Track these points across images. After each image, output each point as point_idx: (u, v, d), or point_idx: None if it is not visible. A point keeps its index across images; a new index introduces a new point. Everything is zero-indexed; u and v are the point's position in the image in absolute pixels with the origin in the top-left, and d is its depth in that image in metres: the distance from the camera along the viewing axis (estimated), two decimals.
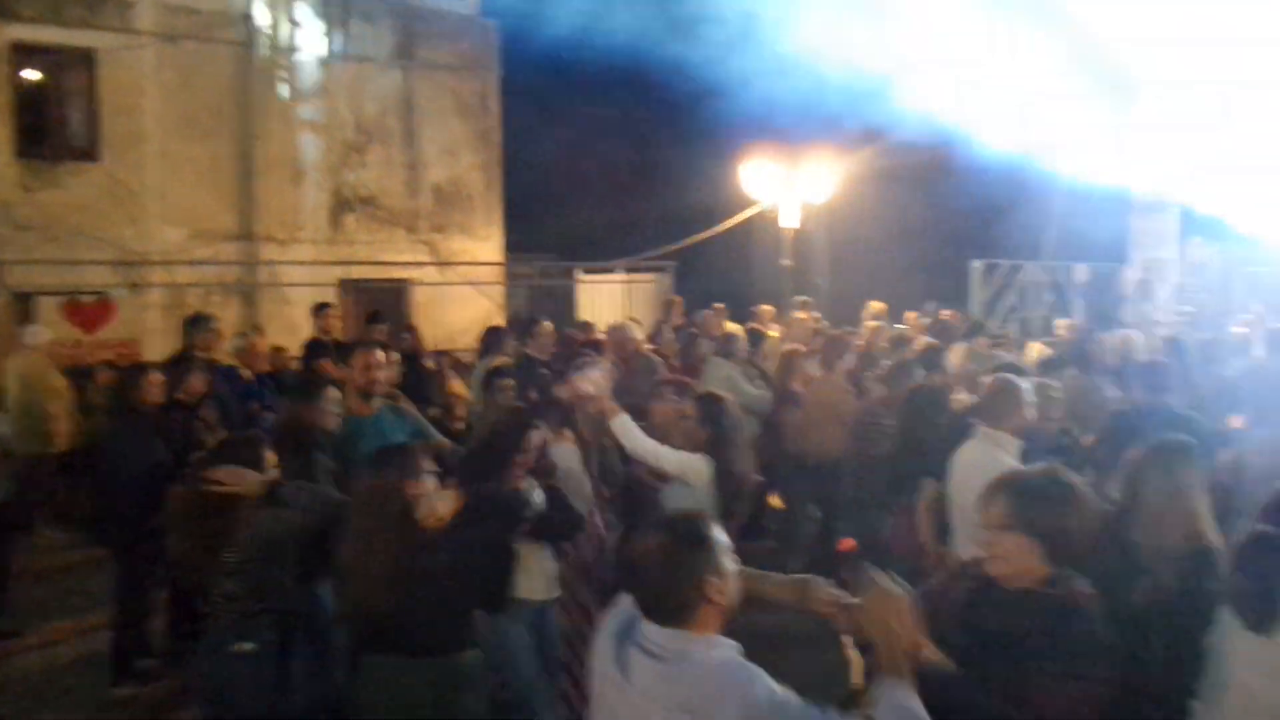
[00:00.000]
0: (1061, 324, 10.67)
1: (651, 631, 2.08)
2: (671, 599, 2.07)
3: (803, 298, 11.24)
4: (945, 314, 10.96)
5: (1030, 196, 12.72)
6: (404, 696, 3.21)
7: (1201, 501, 3.11)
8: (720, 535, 2.15)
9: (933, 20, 11.26)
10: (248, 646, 3.49)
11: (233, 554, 3.54)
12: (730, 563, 2.13)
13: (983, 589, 2.45)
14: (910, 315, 11.06)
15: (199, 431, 5.62)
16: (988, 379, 4.59)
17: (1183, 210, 12.81)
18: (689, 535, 2.11)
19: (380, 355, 5.16)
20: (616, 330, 8.25)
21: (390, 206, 13.49)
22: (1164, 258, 12.77)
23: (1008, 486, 2.47)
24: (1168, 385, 5.35)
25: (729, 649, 2.07)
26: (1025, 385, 4.36)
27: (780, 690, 2.01)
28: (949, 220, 12.61)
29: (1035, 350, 9.81)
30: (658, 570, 2.08)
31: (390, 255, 13.32)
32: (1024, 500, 2.40)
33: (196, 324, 7.23)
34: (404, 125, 13.68)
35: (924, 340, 8.65)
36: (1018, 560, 2.36)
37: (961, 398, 5.73)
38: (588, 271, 14.90)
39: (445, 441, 5.24)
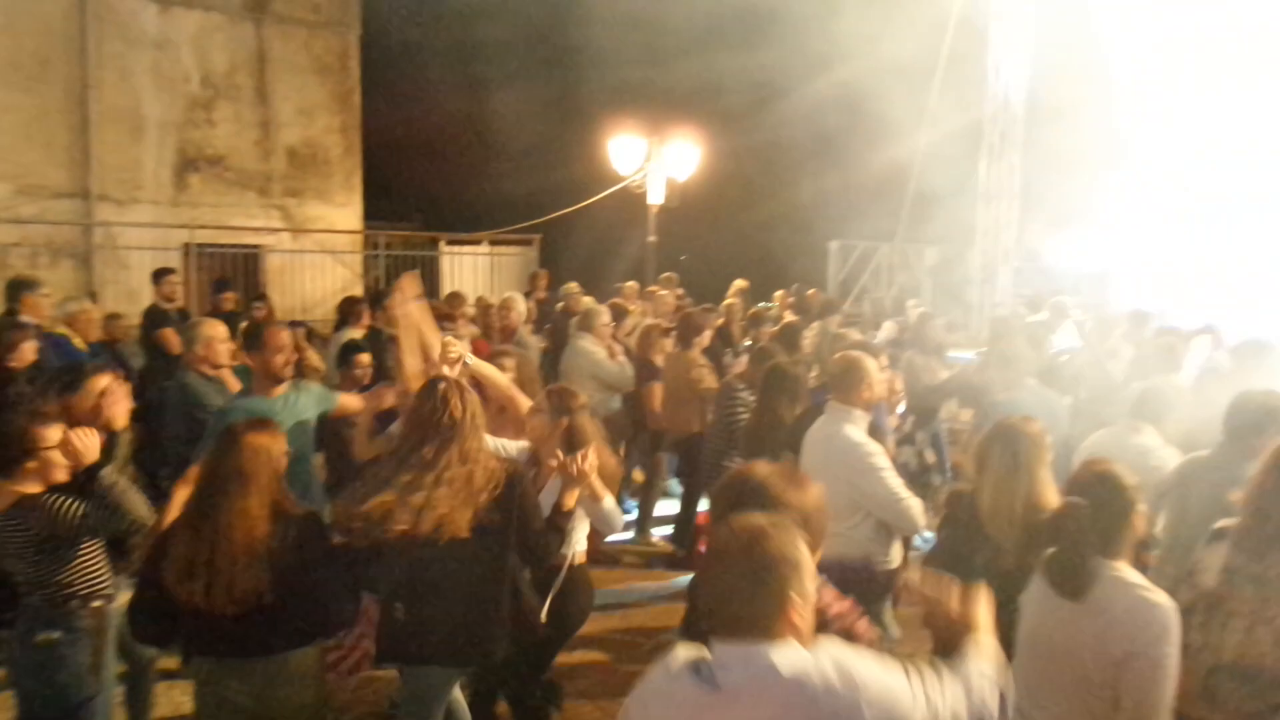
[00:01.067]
0: (911, 304, 11.13)
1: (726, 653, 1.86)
2: (757, 617, 1.85)
3: (667, 274, 11.34)
4: (809, 293, 11.29)
5: (885, 182, 13.22)
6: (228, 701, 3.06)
7: (1043, 475, 3.30)
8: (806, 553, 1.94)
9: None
10: (54, 635, 3.26)
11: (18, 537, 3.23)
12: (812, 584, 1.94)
13: None
14: (779, 294, 11.34)
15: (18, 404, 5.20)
16: (837, 356, 4.72)
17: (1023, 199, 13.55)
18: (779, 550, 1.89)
19: (287, 334, 4.66)
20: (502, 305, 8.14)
21: (240, 168, 12.85)
22: (1005, 244, 13.50)
23: None
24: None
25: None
26: (872, 362, 4.51)
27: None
28: (809, 201, 12.96)
29: (887, 329, 10.26)
30: (744, 584, 1.86)
31: (240, 220, 12.68)
32: None
33: (20, 287, 6.71)
34: (256, 82, 13.02)
35: (785, 318, 8.89)
36: None
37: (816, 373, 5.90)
38: (451, 243, 14.60)
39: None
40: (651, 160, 12.46)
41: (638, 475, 7.80)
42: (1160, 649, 2.60)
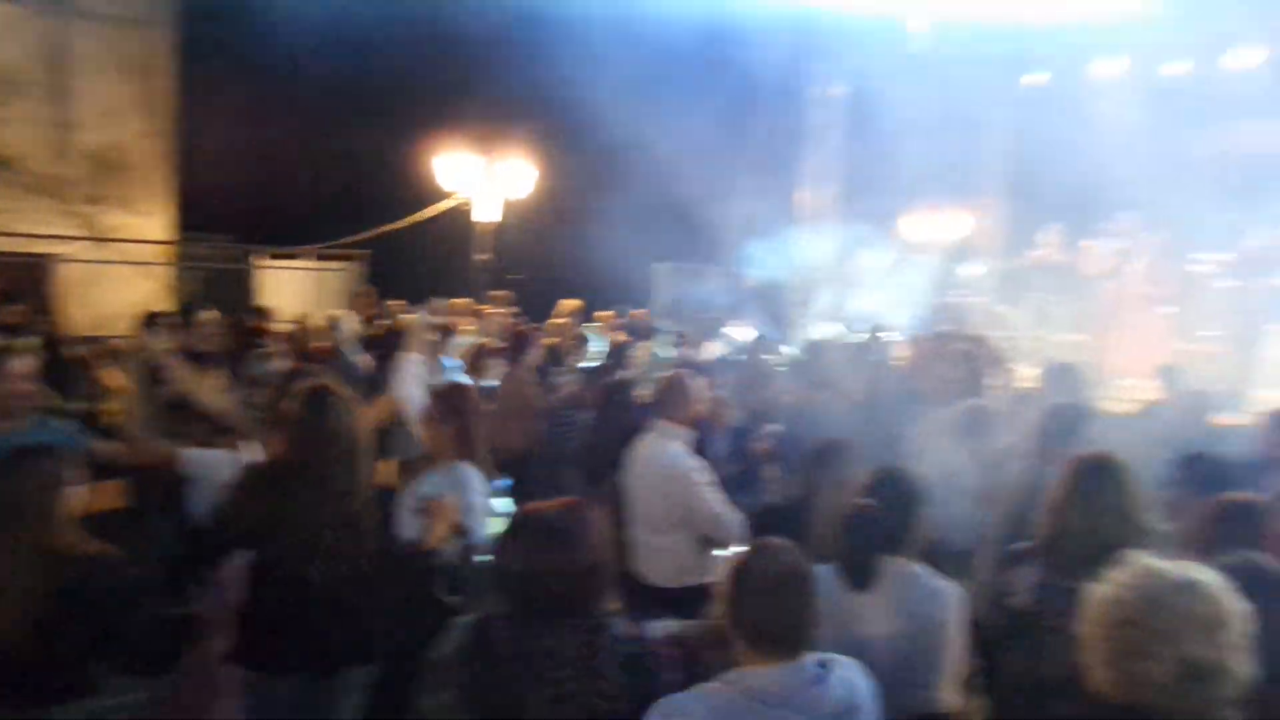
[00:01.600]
0: (736, 326, 11.53)
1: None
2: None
3: (499, 293, 11.28)
4: (636, 313, 11.47)
5: (711, 203, 13.61)
6: None
7: None
8: None
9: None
10: None
11: None
12: None
13: None
14: (604, 314, 11.47)
15: None
16: (662, 375, 4.83)
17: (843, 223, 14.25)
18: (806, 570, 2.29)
19: (19, 365, 4.16)
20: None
21: (33, 171, 11.86)
22: (825, 267, 14.17)
23: None
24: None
25: None
26: (696, 381, 4.63)
27: None
28: (639, 222, 13.15)
29: (712, 349, 10.59)
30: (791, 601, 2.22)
31: (30, 226, 11.70)
32: None
33: None
34: (54, 79, 12.08)
35: (615, 338, 9.00)
36: None
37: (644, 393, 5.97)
38: (272, 257, 13.97)
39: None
40: (484, 177, 12.38)
41: None
42: (953, 630, 2.83)
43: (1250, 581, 2.17)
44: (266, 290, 13.31)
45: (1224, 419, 6.60)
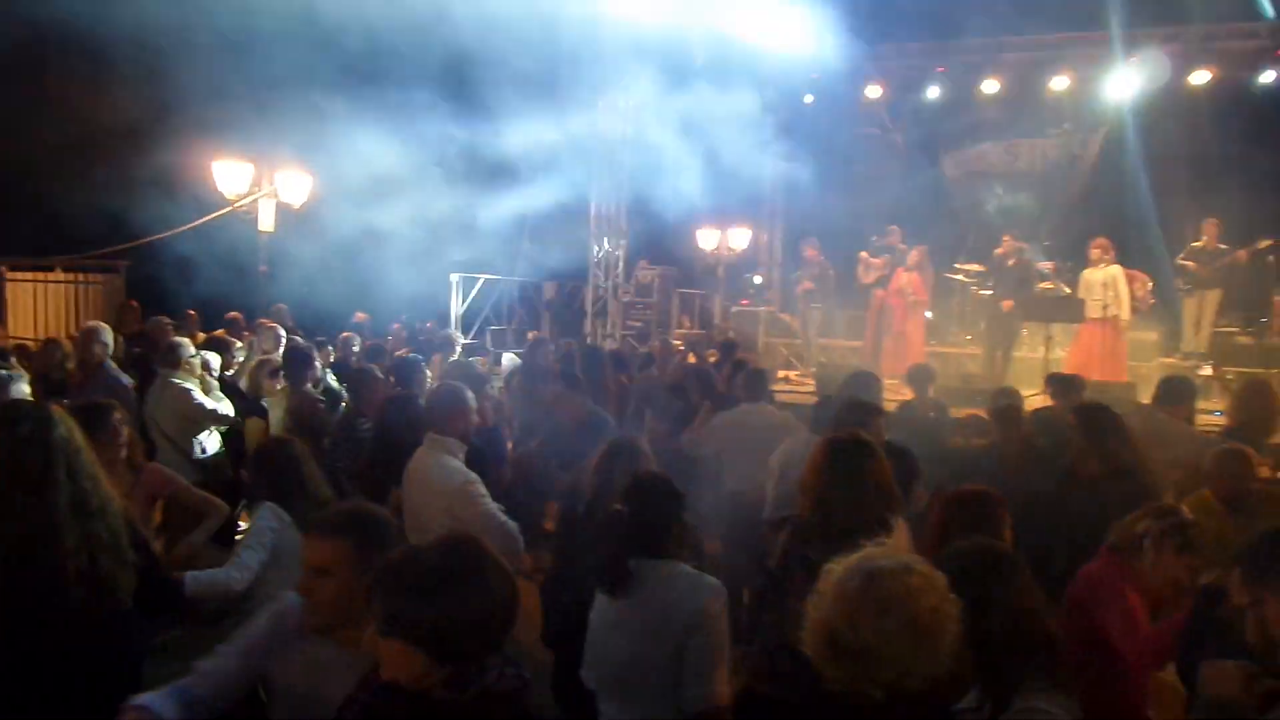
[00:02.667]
0: (531, 336, 11.55)
1: None
2: None
3: (278, 305, 10.77)
4: (428, 325, 11.27)
5: (506, 215, 13.60)
6: None
7: None
8: None
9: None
10: None
11: None
12: None
13: None
14: (396, 326, 11.21)
15: None
16: (436, 386, 4.76)
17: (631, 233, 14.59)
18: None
19: None
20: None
21: None
22: (615, 277, 14.46)
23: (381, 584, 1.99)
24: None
25: None
26: (469, 392, 4.58)
27: None
28: (433, 233, 12.94)
29: (507, 359, 10.58)
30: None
31: None
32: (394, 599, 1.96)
33: None
34: None
35: (402, 350, 8.80)
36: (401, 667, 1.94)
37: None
38: (15, 269, 12.71)
39: None
40: (262, 185, 11.79)
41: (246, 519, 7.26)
42: (715, 623, 2.93)
43: (984, 563, 2.38)
44: (18, 305, 12.12)
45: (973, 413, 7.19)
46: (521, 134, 13.14)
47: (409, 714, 1.91)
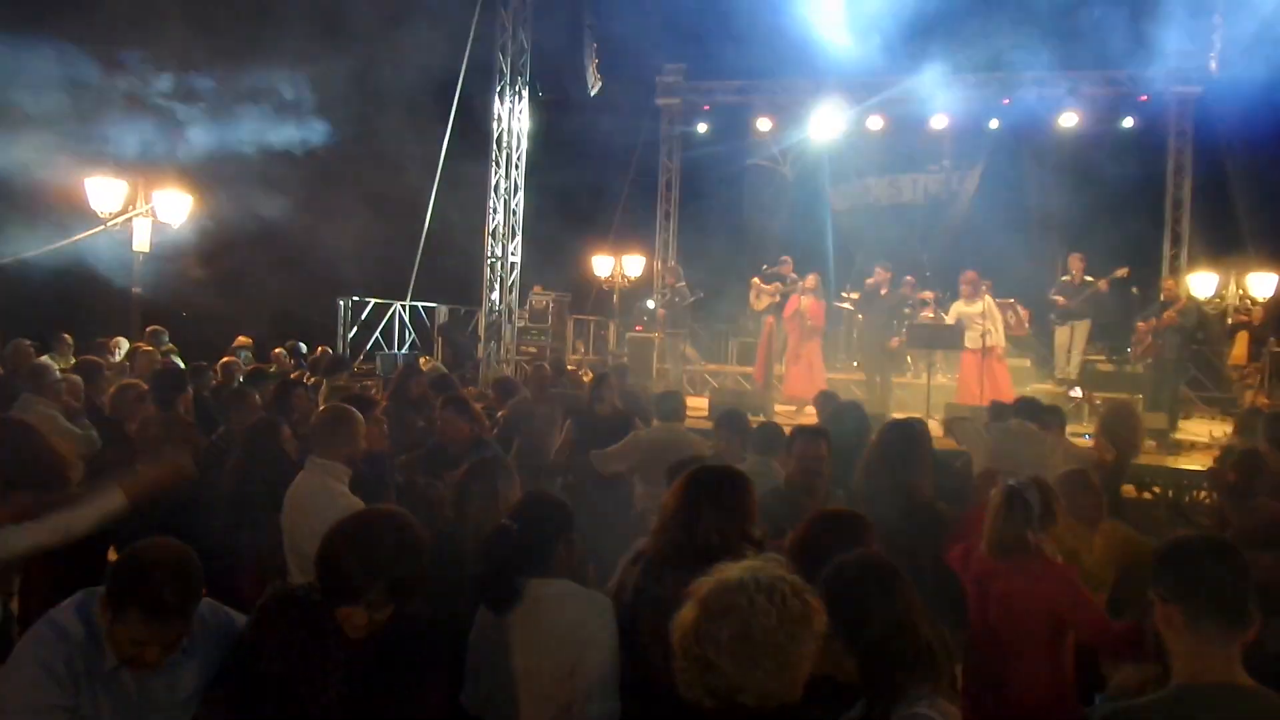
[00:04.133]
0: (424, 360, 11.34)
1: None
2: None
3: (154, 328, 10.32)
4: (318, 350, 10.98)
5: (397, 238, 13.40)
6: None
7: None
8: None
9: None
10: None
11: None
12: None
13: None
14: (276, 351, 10.86)
15: None
16: (320, 409, 4.61)
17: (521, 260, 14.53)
18: None
19: None
20: None
21: None
22: (509, 302, 14.36)
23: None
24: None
25: None
26: (357, 415, 4.45)
27: None
28: (321, 256, 12.62)
29: None
30: None
31: None
32: None
33: None
34: None
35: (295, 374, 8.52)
36: None
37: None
38: None
39: None
40: (137, 204, 11.32)
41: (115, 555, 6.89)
42: (608, 641, 2.90)
43: (864, 575, 2.42)
44: None
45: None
46: (414, 153, 13.01)
47: None
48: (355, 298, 12.54)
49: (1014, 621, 3.44)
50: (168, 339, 10.22)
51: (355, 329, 12.34)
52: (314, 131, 12.35)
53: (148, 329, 10.27)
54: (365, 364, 11.91)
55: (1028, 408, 6.20)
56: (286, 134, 11.87)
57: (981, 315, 11.41)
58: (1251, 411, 7.22)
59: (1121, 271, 12.27)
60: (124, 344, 9.84)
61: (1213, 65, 14.49)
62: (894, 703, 2.23)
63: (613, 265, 17.28)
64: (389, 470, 6.06)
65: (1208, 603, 2.09)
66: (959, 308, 11.59)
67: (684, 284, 13.35)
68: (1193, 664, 2.10)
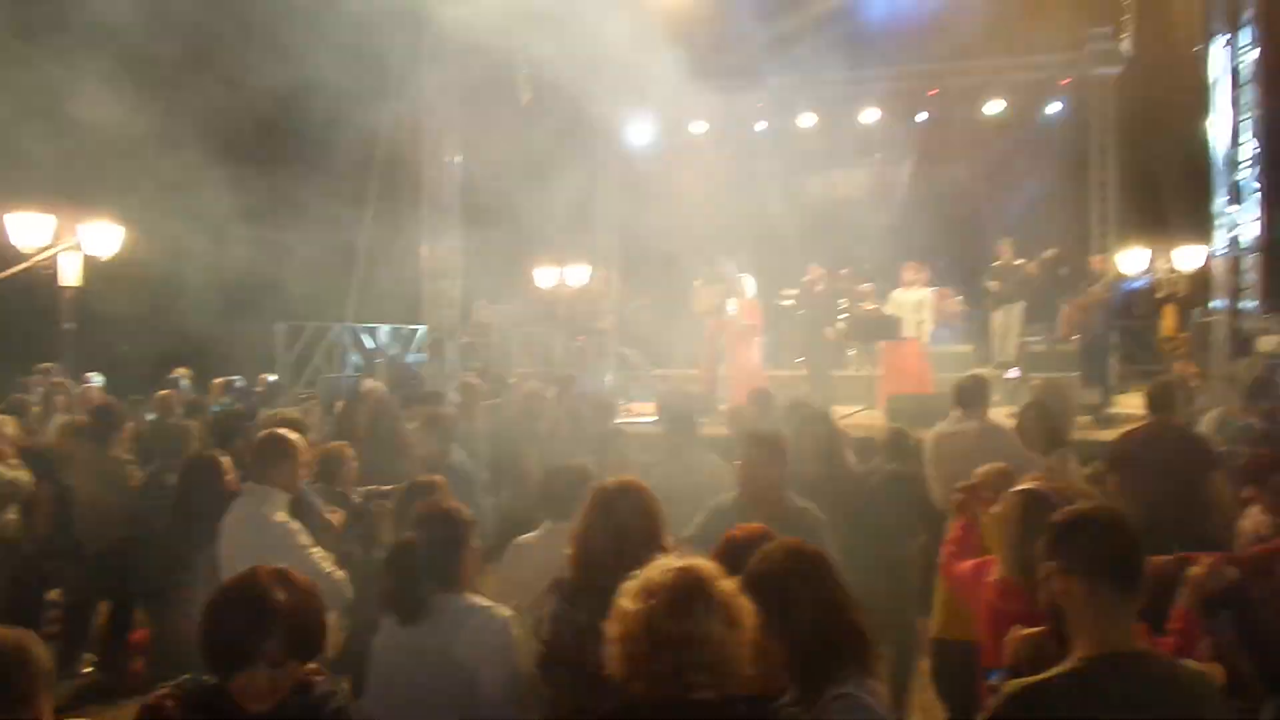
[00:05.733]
0: (367, 384, 11.20)
1: None
2: None
3: (88, 375, 10.13)
4: (260, 377, 10.87)
5: (334, 261, 13.25)
6: None
7: None
8: None
9: None
10: None
11: None
12: None
13: None
14: (216, 381, 10.70)
15: None
16: (258, 434, 4.56)
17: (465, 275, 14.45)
18: None
19: None
20: None
21: None
22: (451, 319, 14.28)
23: None
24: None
25: None
26: (296, 439, 4.41)
27: None
28: (257, 282, 12.43)
29: (339, 408, 10.23)
30: None
31: None
32: None
33: None
34: None
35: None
36: None
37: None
38: None
39: None
40: (63, 238, 11.08)
41: (56, 594, 6.73)
42: (507, 656, 2.92)
43: (789, 563, 2.47)
44: None
45: None
46: (348, 174, 12.90)
47: None
48: (293, 322, 12.34)
49: None
50: (100, 377, 10.02)
51: (294, 354, 12.14)
52: (248, 153, 12.22)
53: (82, 371, 10.06)
54: (307, 389, 11.73)
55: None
56: (220, 157, 11.72)
57: (916, 305, 11.62)
58: (1162, 385, 6.96)
59: (1050, 253, 12.54)
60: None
61: (1125, 46, 14.93)
62: (823, 685, 2.28)
63: (557, 277, 17.27)
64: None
65: (1106, 573, 2.16)
66: (898, 297, 11.78)
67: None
68: (1094, 634, 2.15)
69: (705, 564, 2.19)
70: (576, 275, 17.20)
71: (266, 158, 12.87)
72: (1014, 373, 11.91)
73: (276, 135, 12.75)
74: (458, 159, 13.90)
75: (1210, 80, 11.78)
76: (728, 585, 2.14)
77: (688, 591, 2.06)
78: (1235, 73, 11.39)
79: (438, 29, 12.40)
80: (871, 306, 13.01)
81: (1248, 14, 11.19)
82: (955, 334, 13.67)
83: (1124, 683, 2.09)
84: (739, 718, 2.04)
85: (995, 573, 3.28)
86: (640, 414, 12.42)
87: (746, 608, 2.12)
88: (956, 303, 13.31)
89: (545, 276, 17.46)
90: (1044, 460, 5.02)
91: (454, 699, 2.89)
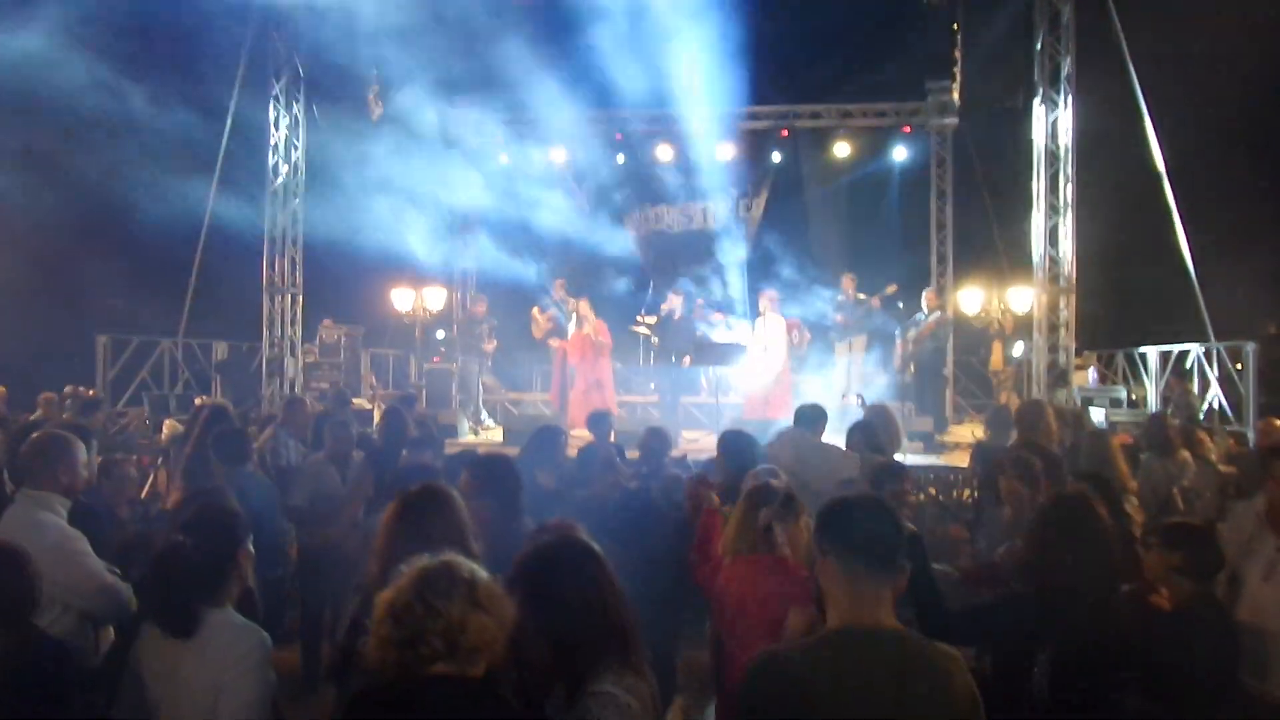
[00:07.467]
0: (201, 401, 10.71)
1: None
2: None
3: None
4: (89, 392, 10.23)
5: (166, 273, 12.64)
6: None
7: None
8: None
9: None
10: None
11: None
12: None
13: None
14: (47, 395, 10.01)
15: None
16: (31, 438, 4.24)
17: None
18: None
19: None
20: None
21: None
22: (294, 336, 13.79)
23: None
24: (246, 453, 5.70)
25: None
26: (78, 444, 4.13)
27: None
28: (77, 293, 11.70)
29: (168, 427, 9.76)
30: None
31: None
32: None
33: None
34: None
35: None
36: None
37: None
38: None
39: None
40: None
41: None
42: (247, 682, 2.81)
43: (553, 558, 2.46)
44: None
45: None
46: (184, 178, 12.36)
47: None
48: (117, 335, 11.61)
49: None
50: None
51: (116, 369, 11.40)
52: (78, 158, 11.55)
53: None
54: (129, 406, 11.04)
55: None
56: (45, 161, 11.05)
57: (770, 333, 11.95)
58: (998, 410, 7.84)
59: (891, 288, 13.12)
60: None
61: (955, 98, 15.90)
62: (583, 681, 2.27)
63: (414, 299, 16.90)
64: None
65: (857, 553, 2.24)
66: (756, 324, 12.15)
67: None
68: (845, 610, 2.24)
69: (464, 560, 2.19)
70: (434, 297, 16.89)
71: (102, 161, 12.17)
72: (854, 400, 12.34)
73: (121, 140, 12.06)
74: (302, 173, 13.53)
75: (1031, 136, 12.62)
76: (484, 576, 2.16)
77: (435, 572, 2.11)
78: (1053, 128, 12.22)
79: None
80: (722, 335, 13.31)
81: (1065, 73, 12.05)
82: (804, 363, 14.11)
83: (860, 655, 2.16)
84: (469, 694, 2.01)
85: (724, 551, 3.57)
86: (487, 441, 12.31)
87: (500, 596, 2.13)
88: (802, 333, 13.74)
89: (402, 298, 17.07)
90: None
91: (197, 715, 2.77)
